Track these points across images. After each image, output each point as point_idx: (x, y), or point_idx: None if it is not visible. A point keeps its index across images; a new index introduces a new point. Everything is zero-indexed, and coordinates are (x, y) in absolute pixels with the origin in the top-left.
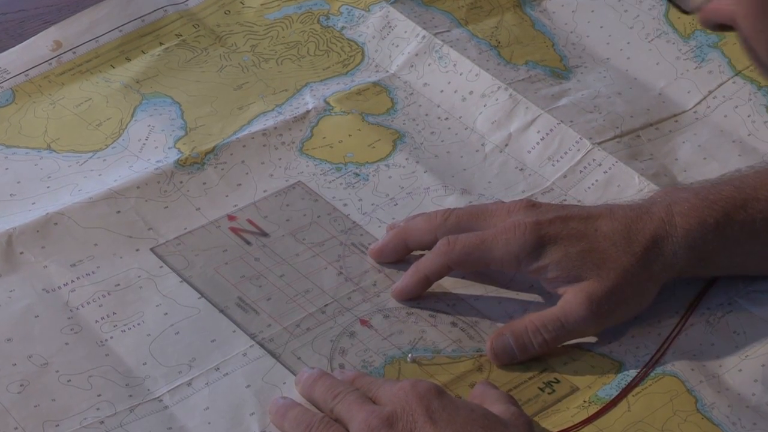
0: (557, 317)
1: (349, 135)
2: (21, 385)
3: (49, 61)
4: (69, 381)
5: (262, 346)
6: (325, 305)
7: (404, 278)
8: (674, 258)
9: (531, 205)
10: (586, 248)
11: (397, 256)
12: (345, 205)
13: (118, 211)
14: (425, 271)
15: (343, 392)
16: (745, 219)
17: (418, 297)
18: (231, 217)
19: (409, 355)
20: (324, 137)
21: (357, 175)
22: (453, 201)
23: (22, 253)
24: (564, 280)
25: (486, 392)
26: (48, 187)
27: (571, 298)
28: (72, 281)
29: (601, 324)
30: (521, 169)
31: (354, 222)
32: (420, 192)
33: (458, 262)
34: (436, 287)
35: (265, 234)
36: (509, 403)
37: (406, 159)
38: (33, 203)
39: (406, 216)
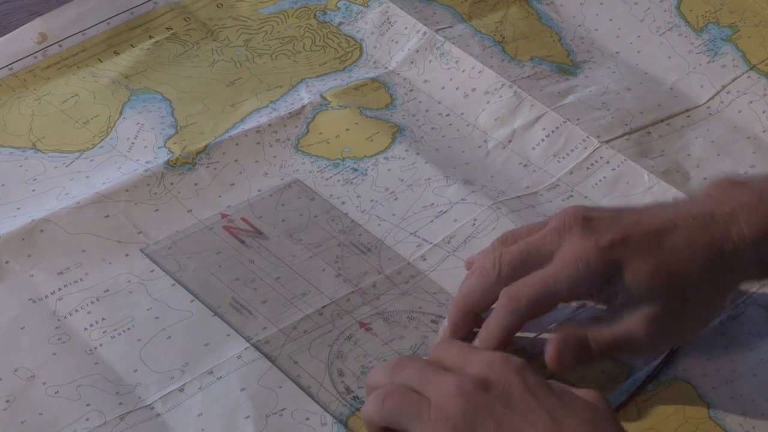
0: (613, 336)
1: (347, 129)
2: (7, 401)
3: (34, 55)
4: (57, 392)
5: (257, 348)
6: (323, 307)
7: (480, 344)
8: (741, 271)
9: (582, 219)
10: (653, 269)
11: (470, 328)
12: (343, 203)
13: (107, 216)
14: (498, 335)
15: (406, 362)
16: None
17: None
18: (224, 215)
19: None
20: (320, 133)
21: (355, 170)
22: (455, 191)
23: (7, 262)
24: (633, 304)
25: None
26: (33, 190)
27: (628, 320)
28: (59, 289)
29: (658, 346)
30: (525, 165)
31: (353, 221)
32: (421, 183)
33: (528, 315)
34: (439, 291)
35: (259, 232)
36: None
37: (406, 151)
38: (18, 208)
39: (404, 209)
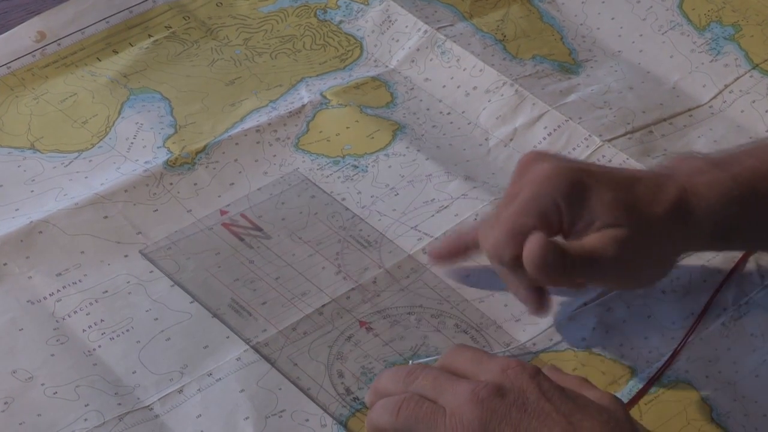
0: (584, 248)
1: (347, 127)
2: (5, 403)
3: (33, 53)
4: (55, 393)
5: (256, 351)
6: (323, 306)
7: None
8: (697, 229)
9: (544, 153)
10: (617, 198)
11: (458, 252)
12: (344, 199)
13: (105, 217)
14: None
15: (418, 370)
16: None
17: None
18: (223, 212)
19: (410, 362)
20: (320, 131)
21: (355, 167)
22: (456, 186)
23: (5, 264)
24: (598, 227)
25: (564, 379)
26: (32, 191)
27: (596, 239)
28: (58, 291)
29: (622, 275)
30: None
31: (354, 215)
32: (422, 179)
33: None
34: (440, 284)
35: (259, 229)
36: (595, 388)
37: (407, 147)
38: (17, 209)
39: (405, 204)
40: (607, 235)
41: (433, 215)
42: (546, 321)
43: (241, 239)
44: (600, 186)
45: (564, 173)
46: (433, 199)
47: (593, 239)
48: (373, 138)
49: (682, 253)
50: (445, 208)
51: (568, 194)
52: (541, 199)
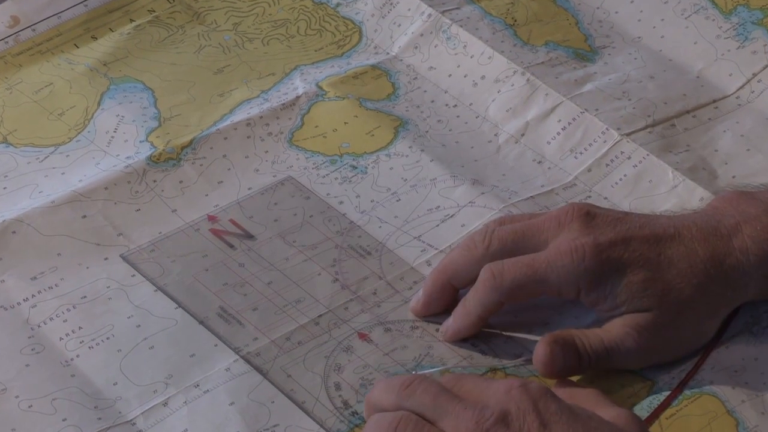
0: (602, 343)
1: (345, 123)
2: None
3: (6, 40)
4: (30, 406)
5: (247, 361)
6: (319, 316)
7: (455, 319)
8: (743, 289)
9: (585, 214)
10: (649, 277)
11: (446, 303)
12: (341, 203)
13: (84, 216)
14: (477, 312)
15: (416, 383)
16: None
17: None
18: (211, 218)
19: (413, 372)
20: (316, 126)
21: (354, 167)
22: (463, 192)
23: None
24: (620, 312)
25: (579, 394)
26: (5, 188)
27: (618, 329)
28: (33, 296)
29: (648, 359)
30: (540, 162)
31: (351, 221)
32: (426, 183)
33: (510, 296)
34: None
35: (250, 236)
36: (613, 405)
37: (410, 147)
38: None
39: (408, 211)
40: (632, 323)
41: (437, 225)
42: None
43: (231, 245)
44: (630, 265)
45: (595, 255)
46: (438, 206)
47: (615, 329)
48: (373, 135)
49: (726, 310)
50: (451, 217)
51: (591, 281)
52: (563, 272)
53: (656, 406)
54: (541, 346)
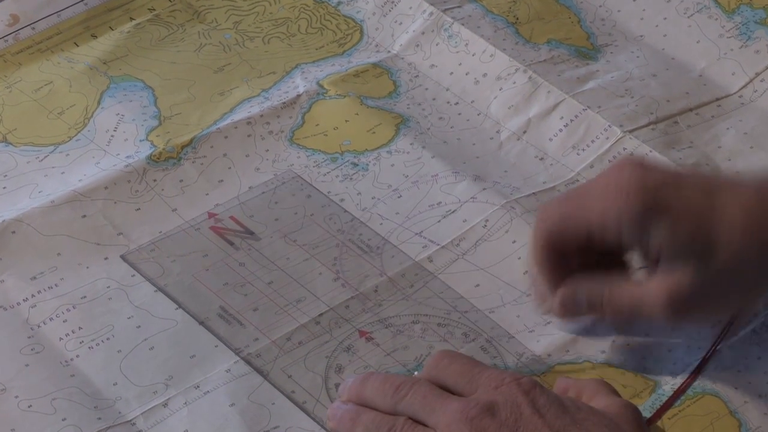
0: (630, 299)
1: (346, 120)
2: None
3: (5, 38)
4: (30, 406)
5: (248, 362)
6: (320, 315)
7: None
8: None
9: (640, 160)
10: (695, 230)
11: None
12: (342, 200)
13: (84, 216)
14: (532, 243)
15: (407, 386)
16: None
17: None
18: (211, 215)
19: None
20: (317, 124)
21: (355, 165)
22: (464, 188)
23: None
24: (661, 265)
25: (580, 384)
26: (4, 187)
27: (653, 289)
28: (32, 296)
29: (678, 322)
30: (541, 159)
31: (353, 217)
32: (427, 180)
33: (559, 232)
34: (448, 293)
35: (251, 233)
36: (612, 394)
37: (411, 144)
38: None
39: (409, 207)
40: (663, 283)
41: (439, 221)
42: (562, 332)
43: (231, 243)
44: (679, 215)
45: (641, 194)
46: (440, 202)
47: (646, 288)
48: (374, 133)
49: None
50: (453, 212)
51: (633, 220)
52: (606, 210)
53: (658, 407)
54: (560, 293)
